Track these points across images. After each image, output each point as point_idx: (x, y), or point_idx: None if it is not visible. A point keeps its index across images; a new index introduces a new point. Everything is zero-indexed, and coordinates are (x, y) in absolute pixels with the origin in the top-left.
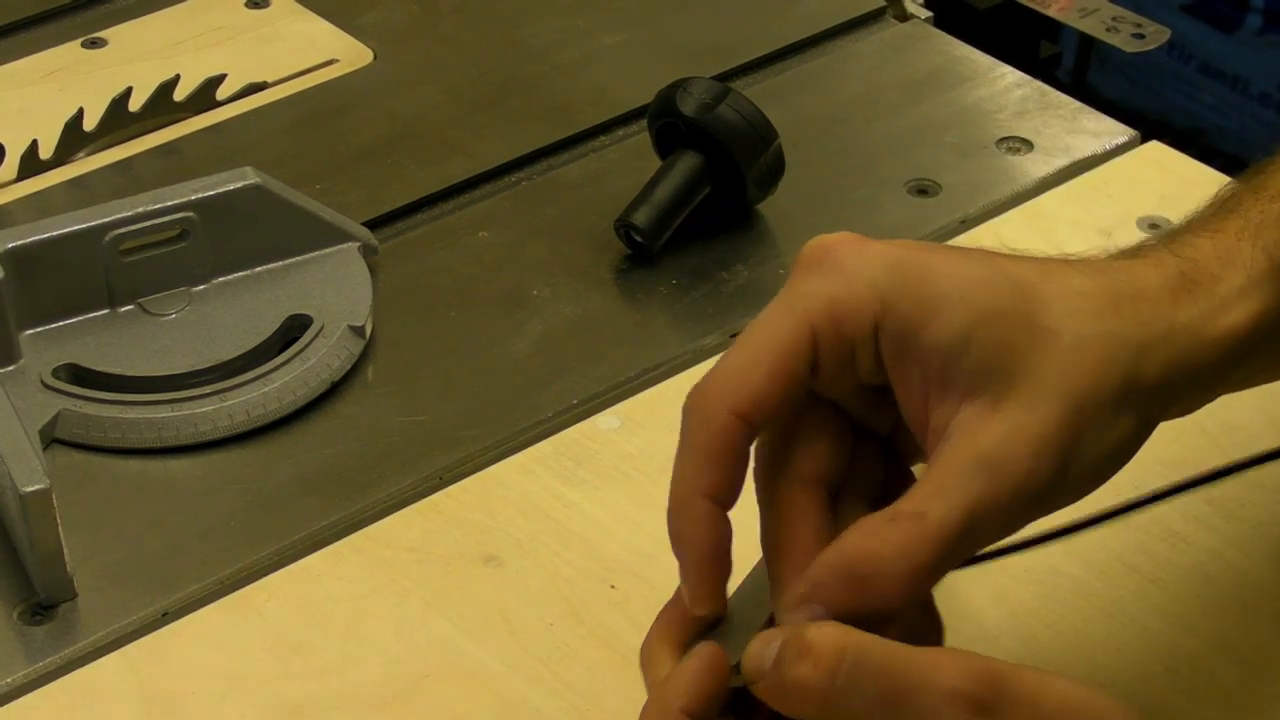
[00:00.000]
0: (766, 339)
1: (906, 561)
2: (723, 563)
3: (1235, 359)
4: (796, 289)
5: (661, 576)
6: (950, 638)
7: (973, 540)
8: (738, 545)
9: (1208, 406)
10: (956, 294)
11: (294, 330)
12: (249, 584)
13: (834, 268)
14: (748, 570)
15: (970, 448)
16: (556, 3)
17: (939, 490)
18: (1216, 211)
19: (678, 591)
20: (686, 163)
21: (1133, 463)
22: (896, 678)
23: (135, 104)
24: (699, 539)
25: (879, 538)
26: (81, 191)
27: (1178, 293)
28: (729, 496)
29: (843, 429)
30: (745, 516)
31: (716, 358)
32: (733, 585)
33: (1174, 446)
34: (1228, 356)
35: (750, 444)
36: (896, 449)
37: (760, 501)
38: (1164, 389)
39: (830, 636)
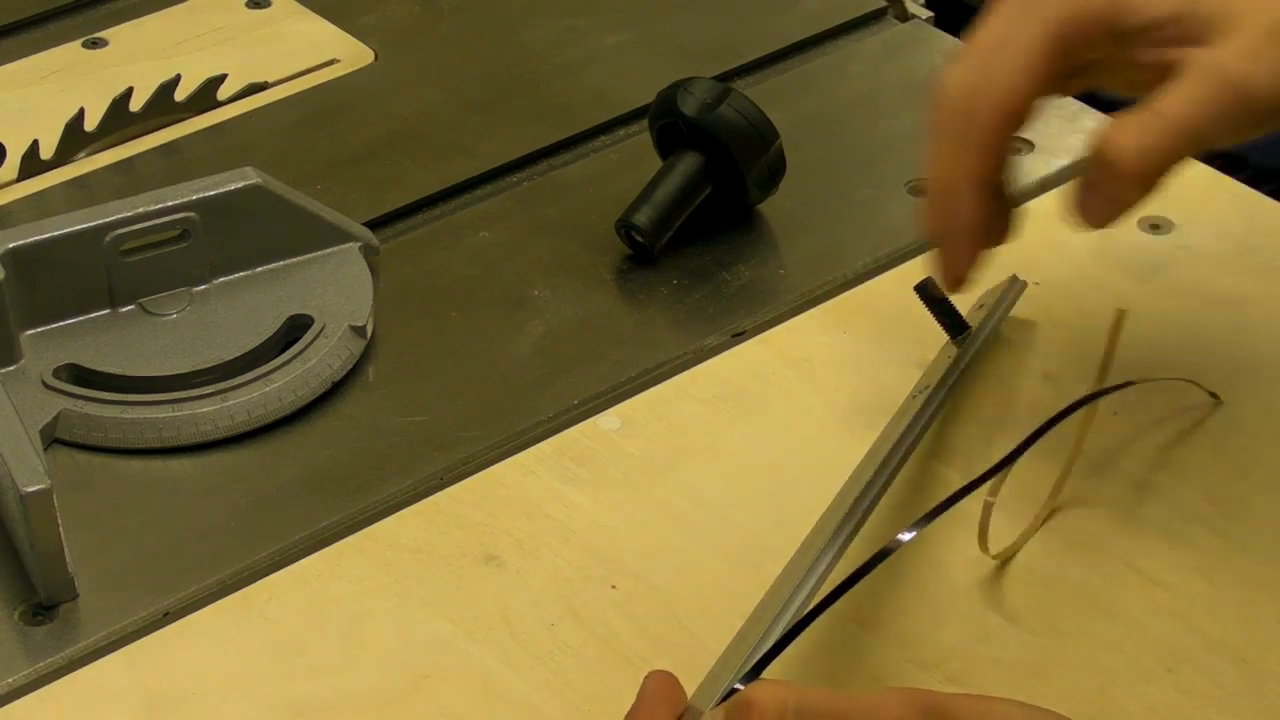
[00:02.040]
0: (1021, 45)
1: (1138, 142)
2: (986, 240)
3: None
4: (1043, 10)
5: (662, 576)
6: (951, 638)
7: (1203, 136)
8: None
9: (1210, 407)
10: None
11: (295, 330)
12: (250, 584)
13: None
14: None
15: (1207, 64)
16: (557, 3)
17: (1175, 96)
18: None
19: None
20: (687, 163)
21: (1136, 460)
22: (841, 718)
23: (136, 104)
24: (973, 216)
25: (1118, 127)
26: (82, 191)
27: None
28: (994, 183)
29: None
30: (746, 516)
31: (718, 358)
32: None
33: (1175, 447)
34: None
35: (1008, 145)
36: None
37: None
38: None
39: (769, 691)
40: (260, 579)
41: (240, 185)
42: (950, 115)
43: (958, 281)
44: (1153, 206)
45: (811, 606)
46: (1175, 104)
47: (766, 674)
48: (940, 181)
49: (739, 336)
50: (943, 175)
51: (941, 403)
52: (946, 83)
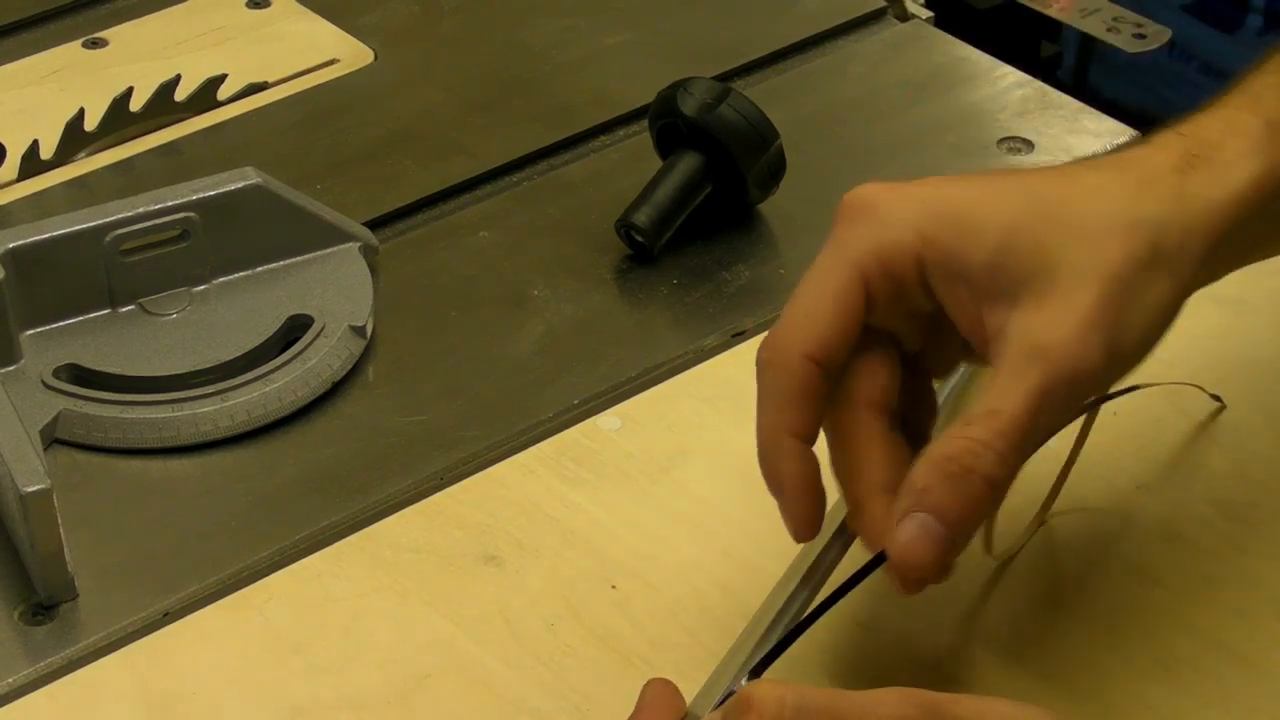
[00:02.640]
0: (825, 288)
1: (994, 451)
2: (818, 492)
3: (1245, 217)
4: (843, 239)
5: (662, 577)
6: (951, 639)
7: (1045, 423)
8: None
9: (1210, 407)
10: (989, 215)
11: (295, 330)
12: (250, 584)
13: (874, 216)
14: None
15: (1023, 343)
16: (557, 3)
17: (1004, 389)
18: (1221, 95)
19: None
20: (687, 163)
21: (1136, 460)
22: (839, 716)
23: (136, 104)
24: (795, 474)
25: (964, 437)
26: (82, 191)
27: (1184, 168)
28: (812, 434)
29: (893, 356)
30: (746, 516)
31: (718, 358)
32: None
33: (1175, 447)
34: (1238, 215)
35: (823, 385)
36: (920, 365)
37: (828, 432)
38: (1187, 254)
39: (768, 690)
40: (260, 579)
41: (240, 185)
42: (761, 370)
43: (801, 535)
44: None
45: (812, 609)
46: (1009, 405)
47: (766, 675)
48: (761, 442)
49: (739, 336)
50: (762, 436)
51: (943, 404)
52: (766, 338)
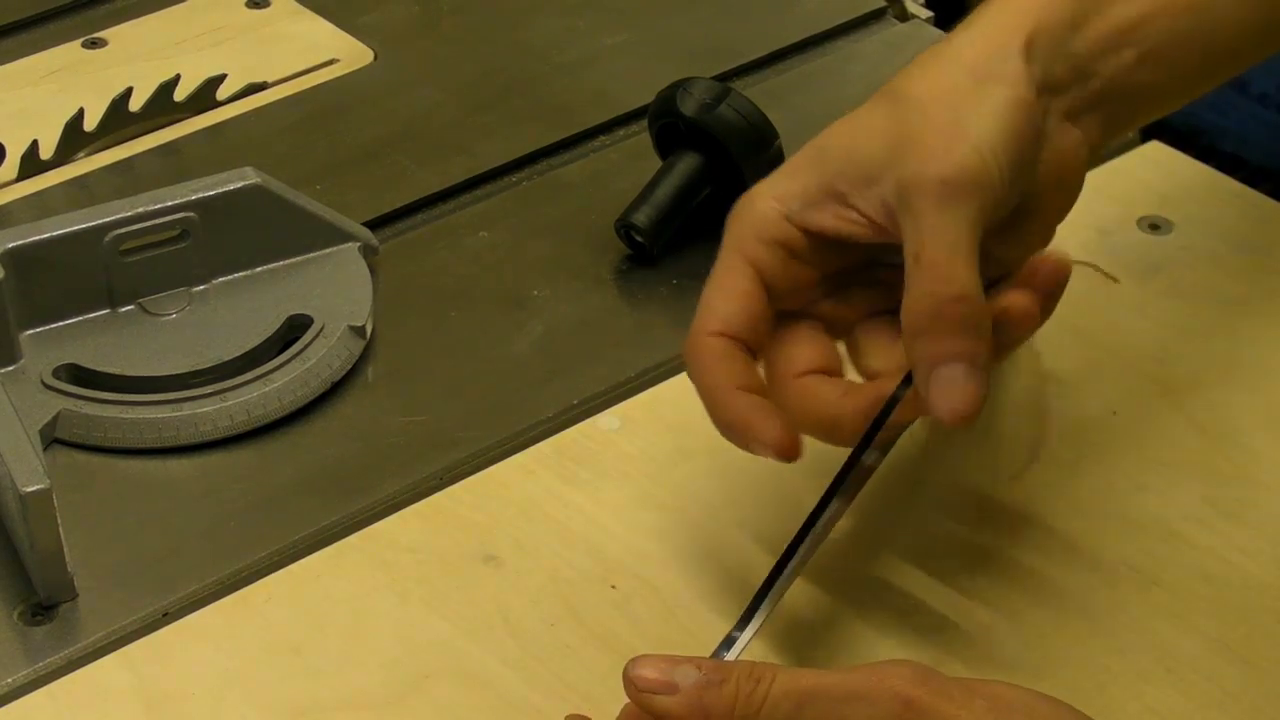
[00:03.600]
0: (716, 280)
1: (940, 281)
2: (771, 409)
3: (1051, 27)
4: (727, 239)
5: (662, 577)
6: (952, 639)
7: (961, 234)
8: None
9: (1209, 408)
10: (825, 143)
11: (294, 330)
12: (249, 584)
13: (743, 207)
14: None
15: (897, 192)
16: (557, 3)
17: (910, 237)
18: None
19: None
20: (687, 163)
21: (1133, 461)
22: (828, 700)
23: (135, 104)
24: (742, 406)
25: (912, 297)
26: (82, 191)
27: (966, 25)
28: (748, 382)
29: (817, 330)
30: (746, 516)
31: None
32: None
33: (1175, 447)
34: (1037, 23)
35: (739, 351)
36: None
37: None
38: (1003, 56)
39: (746, 667)
40: (260, 579)
41: (240, 185)
42: (687, 365)
43: (784, 452)
44: (1153, 206)
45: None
46: (922, 246)
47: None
48: (709, 409)
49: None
50: (707, 402)
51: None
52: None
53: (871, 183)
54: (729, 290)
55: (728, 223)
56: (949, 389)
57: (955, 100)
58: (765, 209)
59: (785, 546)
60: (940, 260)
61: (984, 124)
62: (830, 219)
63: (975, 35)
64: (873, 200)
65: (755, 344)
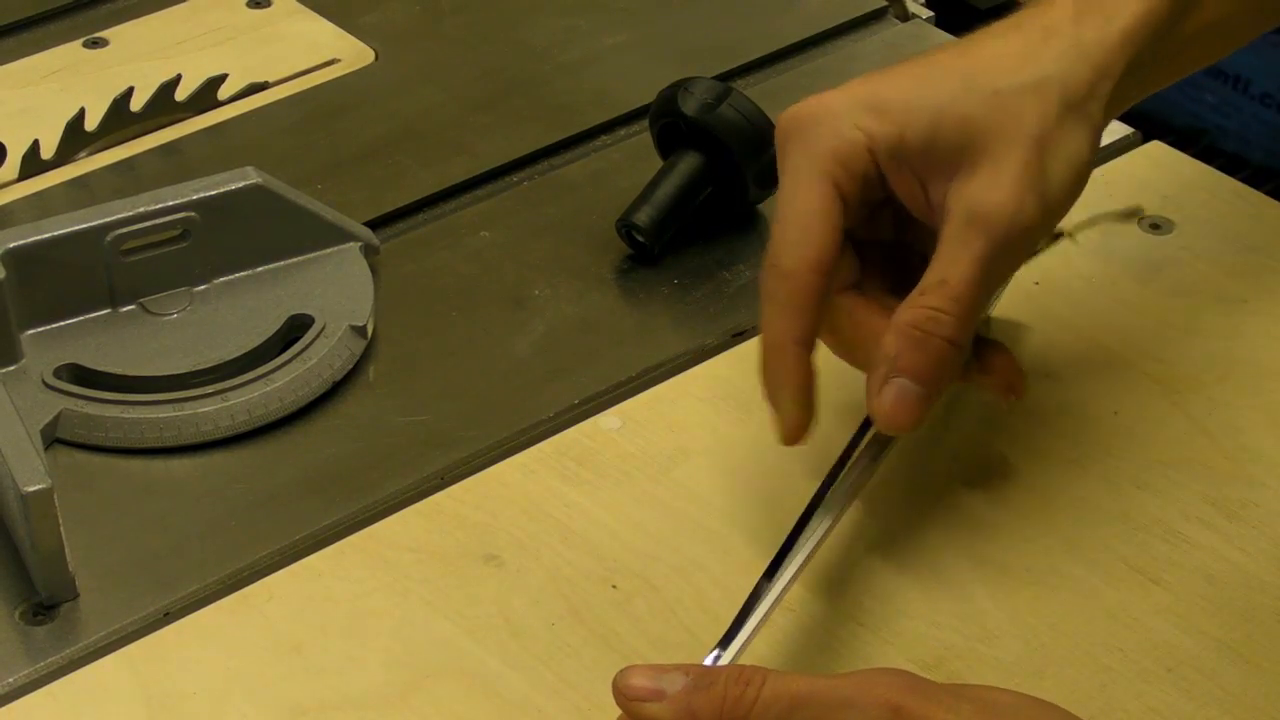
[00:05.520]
0: (809, 204)
1: (950, 315)
2: (812, 400)
3: (1137, 53)
4: (805, 152)
5: (662, 576)
6: (952, 639)
7: (991, 281)
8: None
9: (1210, 407)
10: (916, 100)
11: (295, 330)
12: (250, 584)
13: (822, 124)
14: None
15: (962, 211)
16: (558, 3)
17: (951, 256)
18: None
19: None
20: (688, 163)
21: (1133, 461)
22: (818, 706)
23: (137, 104)
24: (798, 378)
25: (922, 306)
26: (83, 191)
27: (1078, 16)
28: (813, 341)
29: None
30: (746, 516)
31: (718, 358)
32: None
33: (1175, 447)
34: (1131, 53)
35: (824, 292)
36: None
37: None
38: (1094, 99)
39: (734, 671)
40: (260, 579)
41: (240, 185)
42: (774, 284)
43: (793, 439)
44: (1153, 206)
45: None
46: (957, 271)
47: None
48: (768, 348)
49: (739, 336)
50: (769, 343)
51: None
52: (771, 255)
53: (941, 176)
54: (823, 215)
55: (793, 134)
56: (900, 399)
57: (1043, 131)
58: (854, 138)
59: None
60: (963, 297)
61: (1060, 176)
62: (904, 185)
63: (1082, 49)
64: (936, 193)
65: (833, 275)
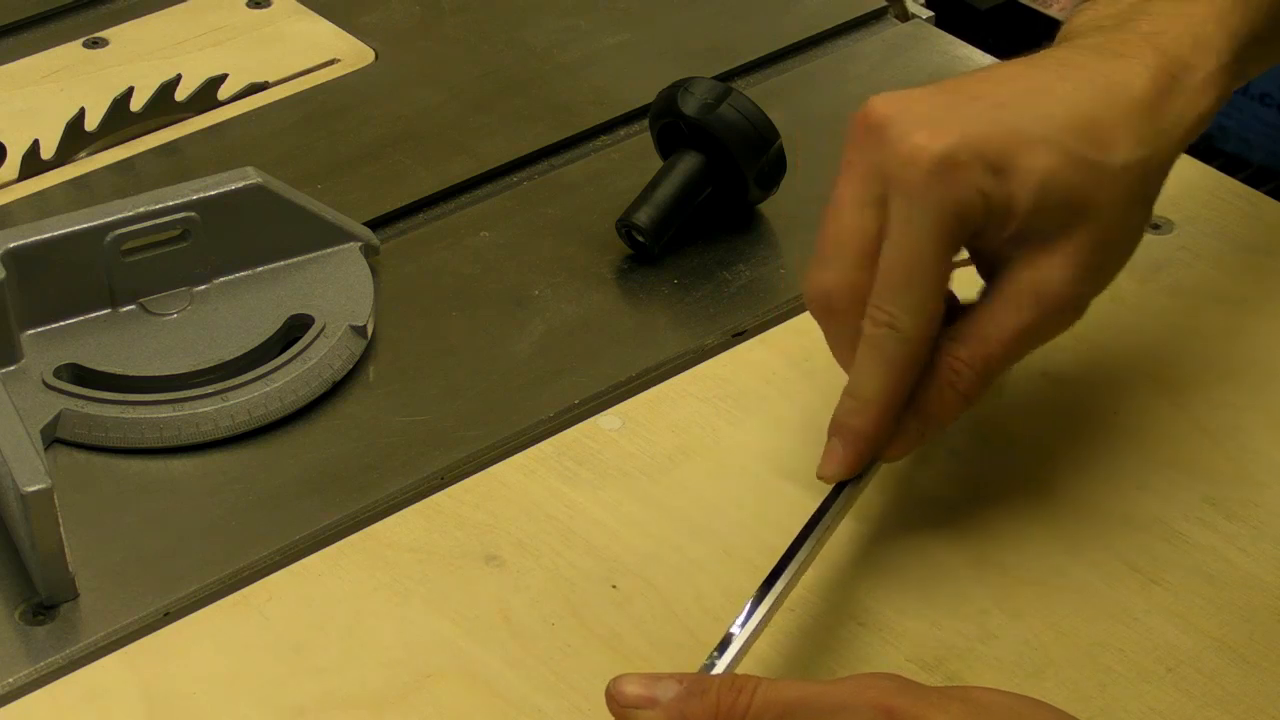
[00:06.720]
0: (937, 274)
1: (974, 372)
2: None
3: (1201, 130)
4: (922, 211)
5: (662, 576)
6: (952, 639)
7: (1025, 350)
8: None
9: (1210, 408)
10: (1027, 157)
11: (295, 330)
12: (250, 584)
13: (941, 178)
14: None
15: (1026, 281)
16: (558, 3)
17: (999, 317)
18: None
19: None
20: (688, 163)
21: (1133, 461)
22: (812, 711)
23: (137, 104)
24: (886, 434)
25: (952, 356)
26: (83, 191)
27: (1162, 94)
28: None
29: None
30: (746, 516)
31: (718, 358)
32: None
33: (1175, 447)
34: (1199, 132)
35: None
36: None
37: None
38: (1162, 179)
39: (729, 680)
40: (260, 579)
41: (240, 185)
42: (874, 329)
43: (836, 478)
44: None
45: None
46: (999, 334)
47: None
48: (865, 398)
49: (739, 336)
50: (868, 392)
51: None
52: (893, 307)
53: (1020, 238)
54: (943, 281)
55: (915, 171)
56: (902, 441)
57: (1126, 217)
58: (974, 202)
59: (785, 547)
60: (994, 358)
61: (1121, 256)
62: (981, 235)
63: (1191, 97)
64: (1005, 247)
65: None
